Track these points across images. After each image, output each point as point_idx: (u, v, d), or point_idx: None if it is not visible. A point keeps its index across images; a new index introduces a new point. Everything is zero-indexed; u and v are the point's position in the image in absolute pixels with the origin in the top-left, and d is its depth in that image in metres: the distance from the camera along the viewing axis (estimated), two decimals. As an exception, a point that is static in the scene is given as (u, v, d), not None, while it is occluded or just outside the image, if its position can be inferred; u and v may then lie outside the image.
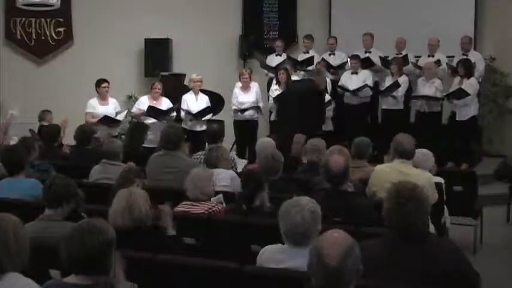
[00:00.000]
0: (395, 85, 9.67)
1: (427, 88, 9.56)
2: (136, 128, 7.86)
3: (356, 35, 10.89)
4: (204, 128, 9.22)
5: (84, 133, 7.44)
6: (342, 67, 10.62)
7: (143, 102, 9.21)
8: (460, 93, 9.24)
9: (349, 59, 10.45)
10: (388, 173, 5.05)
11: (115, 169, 5.62)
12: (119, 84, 10.01)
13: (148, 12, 11.52)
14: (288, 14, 12.31)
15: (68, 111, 9.30)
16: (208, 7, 11.82)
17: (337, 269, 2.54)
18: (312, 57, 10.70)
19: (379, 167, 5.41)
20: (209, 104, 9.46)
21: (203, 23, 11.76)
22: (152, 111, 8.98)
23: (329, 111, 9.80)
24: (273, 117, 10.02)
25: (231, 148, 9.73)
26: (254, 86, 10.06)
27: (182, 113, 9.38)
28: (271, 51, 11.47)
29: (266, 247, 3.43)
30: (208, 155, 5.82)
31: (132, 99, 10.89)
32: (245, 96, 9.88)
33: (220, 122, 9.81)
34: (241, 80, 9.93)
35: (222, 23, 11.97)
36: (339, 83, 10.29)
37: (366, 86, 9.92)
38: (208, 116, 9.47)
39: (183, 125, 9.21)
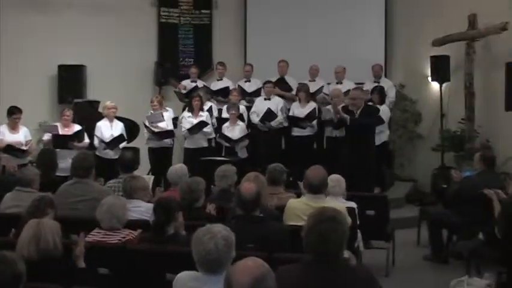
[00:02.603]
0: (313, 116, 9.81)
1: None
2: (44, 154, 7.66)
3: (271, 61, 11.02)
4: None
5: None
6: (257, 94, 10.72)
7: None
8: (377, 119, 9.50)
9: (262, 85, 10.55)
10: (298, 209, 5.11)
11: (28, 196, 5.43)
12: (31, 111, 9.76)
13: (63, 39, 11.37)
14: (204, 41, 12.40)
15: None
16: (124, 34, 11.76)
17: (250, 297, 2.53)
18: (227, 87, 10.78)
19: (291, 201, 5.43)
20: (124, 131, 9.35)
21: (118, 49, 11.69)
22: (58, 139, 8.79)
23: (245, 141, 9.86)
24: (186, 144, 9.98)
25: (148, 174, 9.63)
26: (168, 111, 10.04)
27: (96, 141, 9.22)
28: (186, 77, 11.48)
29: (179, 274, 3.39)
30: (124, 185, 5.73)
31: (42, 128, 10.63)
32: (162, 123, 9.74)
33: (135, 150, 9.71)
34: (152, 107, 9.83)
35: (138, 50, 11.93)
36: (252, 109, 10.37)
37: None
38: (123, 144, 9.35)
39: (97, 153, 9.08)
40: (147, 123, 9.68)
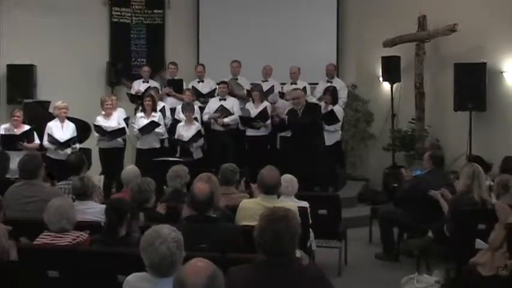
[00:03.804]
0: (265, 116, 9.86)
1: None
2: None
3: (224, 62, 11.03)
4: (68, 157, 8.96)
5: None
6: (211, 95, 10.70)
7: (1, 131, 8.85)
8: (332, 119, 9.63)
9: (217, 85, 10.56)
10: (252, 209, 5.10)
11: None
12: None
13: (12, 38, 11.14)
14: (156, 41, 12.34)
15: None
16: (75, 33, 11.58)
17: (200, 298, 2.53)
18: (181, 80, 10.84)
19: (244, 201, 5.44)
20: (75, 132, 9.21)
21: (69, 49, 11.52)
22: (7, 139, 8.62)
23: (201, 140, 9.84)
24: (138, 145, 9.90)
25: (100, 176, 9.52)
26: (118, 112, 9.95)
27: (45, 142, 9.05)
28: (139, 77, 11.40)
29: (129, 276, 3.35)
30: (74, 186, 5.65)
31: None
32: (107, 123, 9.64)
33: (87, 150, 9.61)
34: (104, 108, 9.73)
35: (89, 50, 11.78)
36: (205, 110, 10.35)
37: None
38: (77, 145, 9.23)
39: (48, 154, 8.94)
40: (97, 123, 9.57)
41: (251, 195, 5.88)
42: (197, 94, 10.67)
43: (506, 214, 5.15)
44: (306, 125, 8.61)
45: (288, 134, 9.83)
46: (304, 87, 10.34)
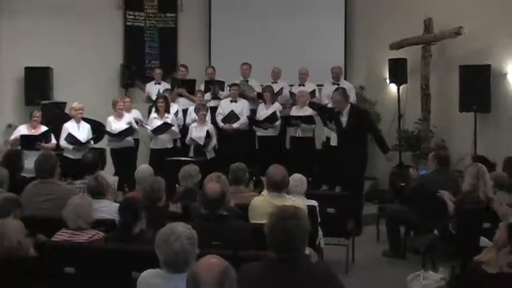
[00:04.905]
0: (273, 118, 9.89)
1: (301, 113, 9.93)
2: (9, 156, 7.57)
3: (235, 64, 11.05)
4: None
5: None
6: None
7: (21, 132, 8.94)
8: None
9: (228, 87, 10.59)
10: (262, 207, 5.11)
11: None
12: (-1, 113, 9.66)
13: (29, 41, 11.20)
14: (169, 44, 12.38)
15: None
16: (90, 36, 11.66)
17: (213, 293, 2.54)
18: (194, 80, 10.91)
19: (254, 200, 5.45)
20: (90, 132, 9.28)
21: (85, 52, 11.58)
22: (25, 139, 8.68)
23: (214, 141, 9.87)
24: (152, 145, 9.95)
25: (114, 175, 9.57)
26: (132, 113, 10.01)
27: (62, 141, 9.10)
28: (152, 79, 11.45)
29: (144, 272, 3.38)
30: (90, 185, 5.69)
31: (12, 128, 10.46)
32: (118, 124, 9.72)
33: (101, 150, 9.67)
34: (116, 108, 9.80)
35: (104, 52, 11.84)
36: (218, 111, 10.38)
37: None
38: (91, 142, 9.29)
39: (65, 154, 9.00)
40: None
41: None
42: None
43: (506, 215, 5.14)
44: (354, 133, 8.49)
45: (296, 134, 9.90)
46: (313, 90, 10.39)
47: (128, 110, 10.01)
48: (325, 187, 9.65)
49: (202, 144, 9.56)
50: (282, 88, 10.68)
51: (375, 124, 8.78)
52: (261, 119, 10.04)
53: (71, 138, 9.03)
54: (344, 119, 8.52)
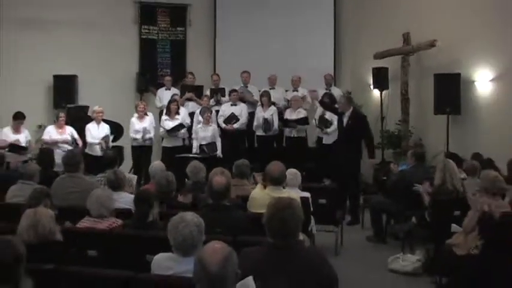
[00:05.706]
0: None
1: (295, 115, 9.98)
2: (43, 153, 7.63)
3: (236, 72, 11.10)
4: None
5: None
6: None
7: (49, 131, 9.13)
8: (326, 123, 9.72)
9: (229, 93, 10.62)
10: (261, 199, 5.11)
11: (30, 188, 5.34)
12: (31, 115, 9.65)
13: (58, 52, 11.36)
14: (179, 54, 12.38)
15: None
16: (110, 48, 11.73)
17: (218, 274, 2.56)
18: (201, 86, 10.98)
19: (254, 192, 5.46)
20: (109, 132, 9.33)
21: (105, 61, 11.64)
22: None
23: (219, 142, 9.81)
24: (164, 143, 9.97)
25: (130, 170, 9.59)
26: (149, 115, 10.01)
27: (89, 138, 9.20)
28: (163, 86, 11.49)
29: (156, 256, 3.40)
30: (109, 179, 5.70)
31: (42, 128, 10.53)
32: (140, 125, 9.75)
33: (120, 148, 9.71)
34: (138, 111, 9.84)
35: (122, 62, 11.89)
36: (219, 113, 10.41)
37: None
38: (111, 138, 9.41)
39: (87, 151, 9.04)
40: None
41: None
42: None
43: (477, 205, 5.17)
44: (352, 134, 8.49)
45: (291, 134, 9.94)
46: (305, 95, 10.43)
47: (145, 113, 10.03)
48: (327, 180, 9.60)
49: (208, 143, 9.56)
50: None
51: (371, 131, 8.77)
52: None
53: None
54: (345, 120, 8.57)
